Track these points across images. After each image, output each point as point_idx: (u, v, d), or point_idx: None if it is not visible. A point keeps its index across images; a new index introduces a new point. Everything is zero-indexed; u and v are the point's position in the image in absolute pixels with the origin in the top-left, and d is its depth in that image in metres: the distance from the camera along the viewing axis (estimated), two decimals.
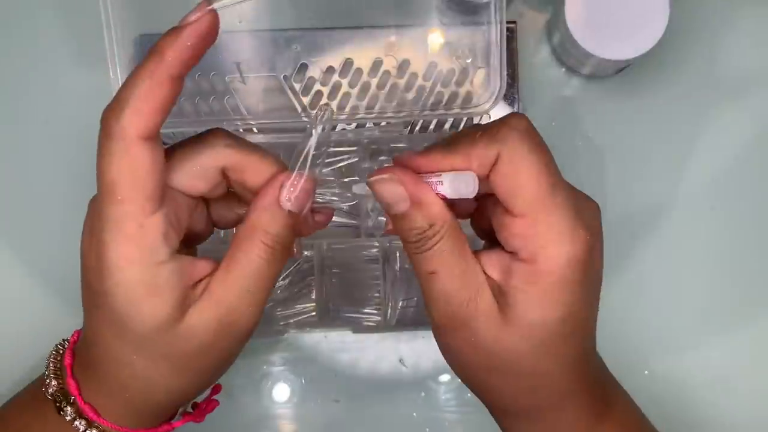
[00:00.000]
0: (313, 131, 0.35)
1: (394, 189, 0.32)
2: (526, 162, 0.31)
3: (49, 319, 0.52)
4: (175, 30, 0.29)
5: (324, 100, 0.49)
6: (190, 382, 0.34)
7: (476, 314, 0.33)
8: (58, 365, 0.36)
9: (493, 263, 0.33)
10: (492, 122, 0.33)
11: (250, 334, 0.34)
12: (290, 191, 0.33)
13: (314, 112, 0.36)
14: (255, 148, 0.34)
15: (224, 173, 0.34)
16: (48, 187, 0.54)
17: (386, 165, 0.35)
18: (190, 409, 0.39)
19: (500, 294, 0.33)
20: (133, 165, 0.30)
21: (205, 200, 0.36)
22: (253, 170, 0.34)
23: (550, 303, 0.32)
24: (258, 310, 0.33)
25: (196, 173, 0.33)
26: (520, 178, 0.31)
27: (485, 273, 0.33)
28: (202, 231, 0.36)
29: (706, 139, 0.54)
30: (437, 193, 0.32)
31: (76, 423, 0.34)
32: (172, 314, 0.31)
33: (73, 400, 0.34)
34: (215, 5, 0.30)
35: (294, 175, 0.33)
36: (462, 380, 0.36)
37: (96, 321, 0.33)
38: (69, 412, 0.34)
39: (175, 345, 0.32)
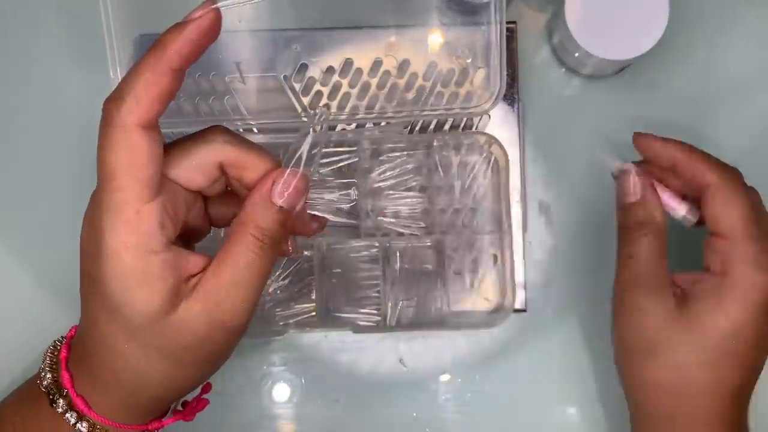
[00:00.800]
0: (309, 131, 0.35)
1: (634, 182, 0.42)
2: (736, 200, 0.40)
3: (46, 320, 0.52)
4: (179, 25, 0.30)
5: (324, 100, 0.49)
6: (183, 376, 0.35)
7: (655, 301, 0.40)
8: (54, 359, 0.36)
9: (683, 279, 0.41)
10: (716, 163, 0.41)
11: (242, 330, 0.34)
12: (283, 188, 0.33)
13: (311, 112, 0.36)
14: (253, 145, 0.35)
15: (222, 169, 0.34)
16: (48, 186, 0.54)
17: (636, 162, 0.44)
18: (180, 408, 0.39)
19: (682, 296, 0.40)
20: (132, 153, 0.30)
21: (204, 198, 0.36)
22: (251, 167, 0.34)
23: (724, 313, 0.38)
24: (248, 305, 0.33)
25: (195, 167, 0.34)
26: (727, 209, 0.40)
27: (672, 280, 0.41)
28: (199, 227, 0.36)
29: (706, 139, 0.54)
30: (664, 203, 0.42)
31: (68, 415, 0.34)
32: (164, 305, 0.32)
33: (66, 392, 0.35)
34: (219, 4, 0.30)
35: (287, 172, 0.34)
36: (616, 364, 0.43)
37: (92, 308, 0.33)
38: (61, 405, 0.34)
39: (166, 336, 0.32)
